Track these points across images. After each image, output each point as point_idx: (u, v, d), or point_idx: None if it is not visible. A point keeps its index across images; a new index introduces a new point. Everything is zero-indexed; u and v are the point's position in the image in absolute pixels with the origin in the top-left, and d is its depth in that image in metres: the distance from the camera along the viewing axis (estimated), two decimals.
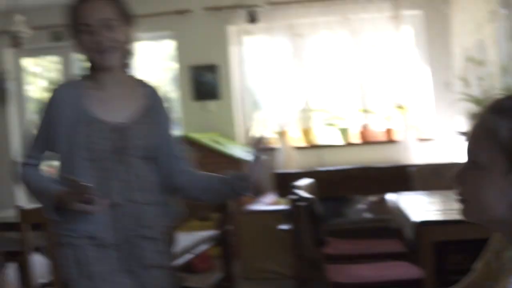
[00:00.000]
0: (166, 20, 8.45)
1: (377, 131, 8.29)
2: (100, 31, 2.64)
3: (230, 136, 8.32)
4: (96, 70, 2.76)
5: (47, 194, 2.65)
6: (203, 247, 5.37)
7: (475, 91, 7.15)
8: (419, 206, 4.33)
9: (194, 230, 6.27)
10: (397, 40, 8.04)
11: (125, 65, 2.83)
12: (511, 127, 1.52)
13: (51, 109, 2.75)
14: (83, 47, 2.71)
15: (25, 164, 2.82)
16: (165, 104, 2.91)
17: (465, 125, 7.30)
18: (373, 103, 8.33)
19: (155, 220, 2.78)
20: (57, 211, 2.63)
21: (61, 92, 2.76)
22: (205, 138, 7.61)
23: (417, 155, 7.86)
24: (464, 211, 1.64)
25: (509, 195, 1.53)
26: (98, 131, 2.68)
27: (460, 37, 7.40)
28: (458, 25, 7.48)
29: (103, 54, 2.67)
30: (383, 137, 8.22)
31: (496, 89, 6.11)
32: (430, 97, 8.17)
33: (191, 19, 8.44)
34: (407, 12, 8.10)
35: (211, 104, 8.41)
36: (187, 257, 5.02)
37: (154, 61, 9.68)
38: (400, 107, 8.02)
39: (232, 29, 8.43)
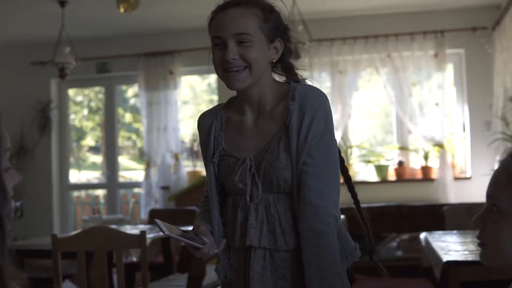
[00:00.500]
0: (208, 55, 8.52)
1: (414, 168, 8.26)
2: (231, 46, 2.26)
3: None
4: (238, 92, 2.41)
5: None
6: None
7: None
8: (449, 246, 4.30)
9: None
10: (439, 78, 8.01)
11: (272, 81, 2.42)
12: None
13: (199, 139, 2.50)
14: (213, 63, 2.32)
15: (204, 197, 2.55)
16: (312, 118, 2.25)
17: None
18: (411, 140, 8.33)
19: (293, 269, 2.28)
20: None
21: (201, 121, 2.48)
22: None
23: (453, 194, 7.81)
24: (482, 255, 1.65)
25: None
26: (228, 166, 2.36)
27: (502, 76, 7.35)
28: (500, 65, 7.44)
29: (228, 73, 2.28)
30: (419, 175, 8.17)
31: None
32: (469, 136, 8.10)
33: None
34: (449, 51, 8.10)
35: None
36: None
37: (196, 95, 9.81)
38: (438, 145, 7.96)
39: None
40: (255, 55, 2.27)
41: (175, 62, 8.62)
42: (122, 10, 6.00)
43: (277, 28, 2.35)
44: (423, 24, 8.12)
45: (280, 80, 2.47)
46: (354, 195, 2.42)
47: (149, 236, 4.84)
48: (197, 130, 2.50)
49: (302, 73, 2.46)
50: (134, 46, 8.76)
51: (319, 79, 8.33)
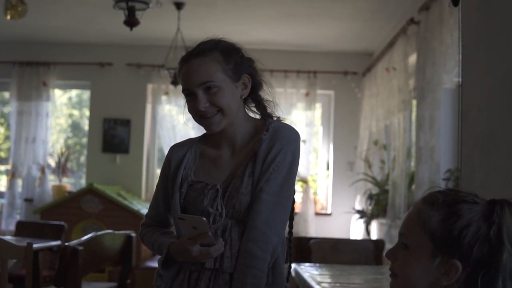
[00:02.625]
0: (85, 70, 8.54)
1: None
2: (200, 96, 2.36)
3: (133, 190, 8.39)
4: None
5: (160, 247, 2.43)
6: None
7: (376, 173, 7.48)
8: (319, 278, 4.48)
9: (89, 281, 6.27)
10: (308, 116, 8.32)
11: (247, 117, 2.53)
12: (439, 219, 1.71)
13: (165, 168, 2.55)
14: (189, 112, 2.43)
15: (143, 225, 2.61)
16: (280, 149, 2.38)
17: (362, 204, 7.60)
18: None
19: None
20: (165, 266, 2.42)
21: (173, 152, 2.55)
22: (109, 190, 7.64)
23: (313, 228, 8.09)
24: (392, 285, 1.83)
25: (429, 276, 1.72)
26: (195, 191, 2.42)
27: (368, 121, 7.73)
28: (367, 109, 7.83)
29: (206, 121, 2.39)
30: None
31: (397, 172, 6.41)
32: (332, 174, 8.44)
33: (111, 72, 8.56)
34: (320, 91, 8.44)
35: (119, 158, 8.47)
36: None
37: (56, 108, 9.67)
38: (302, 180, 8.24)
39: (150, 87, 8.59)
40: (224, 100, 2.37)
41: (50, 74, 8.53)
42: (8, 17, 5.89)
43: (240, 66, 2.43)
44: (298, 63, 8.44)
45: (255, 116, 2.57)
46: (291, 226, 2.60)
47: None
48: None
49: (270, 104, 2.56)
50: (9, 53, 8.59)
51: None
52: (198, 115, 2.40)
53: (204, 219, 2.24)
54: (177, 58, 7.14)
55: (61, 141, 9.58)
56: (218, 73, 2.37)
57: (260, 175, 2.36)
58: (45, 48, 8.60)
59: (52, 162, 8.80)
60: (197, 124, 2.46)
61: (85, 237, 4.83)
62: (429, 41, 5.61)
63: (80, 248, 4.43)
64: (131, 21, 5.81)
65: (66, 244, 4.58)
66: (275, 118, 2.52)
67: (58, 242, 5.76)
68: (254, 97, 2.54)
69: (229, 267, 2.34)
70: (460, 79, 3.03)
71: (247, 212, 2.36)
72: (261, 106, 2.55)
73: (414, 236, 1.76)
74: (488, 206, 1.72)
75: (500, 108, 2.55)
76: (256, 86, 2.51)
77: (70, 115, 9.91)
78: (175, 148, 2.58)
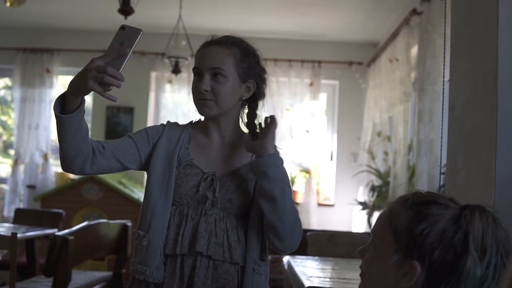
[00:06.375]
0: (89, 56, 8.44)
1: None
2: (206, 78, 2.47)
3: (135, 178, 8.37)
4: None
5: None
6: None
7: (379, 165, 7.42)
8: (311, 271, 4.44)
9: (87, 270, 6.26)
10: (312, 106, 8.28)
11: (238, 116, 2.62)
12: (406, 217, 1.64)
13: (155, 133, 2.57)
14: (191, 89, 2.54)
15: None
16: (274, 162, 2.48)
17: (365, 196, 7.55)
18: None
19: (232, 283, 2.47)
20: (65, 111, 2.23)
21: (171, 128, 2.60)
22: (110, 178, 7.63)
23: (316, 219, 8.05)
24: (360, 285, 1.78)
25: (389, 277, 1.65)
26: (187, 176, 2.51)
27: (372, 111, 7.67)
28: (371, 100, 7.77)
29: (199, 101, 2.49)
30: None
31: (398, 164, 6.36)
32: (335, 165, 8.39)
33: None
34: (325, 81, 8.38)
35: None
36: None
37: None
38: (305, 171, 8.21)
39: (154, 75, 8.56)
40: (224, 91, 2.48)
41: (53, 60, 8.53)
42: (8, 4, 5.86)
43: (252, 70, 2.55)
44: (302, 53, 8.38)
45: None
46: None
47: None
48: None
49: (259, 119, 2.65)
50: (13, 40, 8.59)
51: None
52: (197, 95, 2.50)
53: (142, 32, 2.15)
54: (178, 46, 7.08)
55: None
56: (230, 66, 2.49)
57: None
58: (49, 34, 8.59)
59: None
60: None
61: (77, 227, 4.81)
62: (430, 32, 5.54)
63: (71, 237, 4.41)
64: (125, 10, 5.79)
65: (56, 234, 4.56)
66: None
67: (55, 230, 5.75)
68: (252, 104, 2.63)
69: (228, 256, 2.45)
70: (448, 74, 2.99)
71: (242, 209, 2.51)
72: (253, 115, 2.64)
73: (381, 234, 1.71)
74: (459, 210, 1.66)
75: (483, 106, 2.49)
76: (258, 95, 2.61)
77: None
78: (171, 125, 2.64)
